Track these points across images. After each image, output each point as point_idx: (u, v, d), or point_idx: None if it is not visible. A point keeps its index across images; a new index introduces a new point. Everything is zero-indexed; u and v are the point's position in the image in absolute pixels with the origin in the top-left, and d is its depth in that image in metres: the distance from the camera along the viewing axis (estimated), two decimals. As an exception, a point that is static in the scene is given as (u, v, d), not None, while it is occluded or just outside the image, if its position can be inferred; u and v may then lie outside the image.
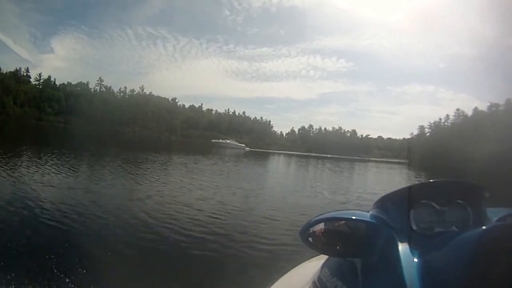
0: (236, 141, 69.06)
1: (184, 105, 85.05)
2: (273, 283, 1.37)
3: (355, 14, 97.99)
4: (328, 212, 0.95)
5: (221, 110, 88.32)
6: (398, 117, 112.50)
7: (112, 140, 39.77)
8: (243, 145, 68.13)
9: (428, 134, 78.07)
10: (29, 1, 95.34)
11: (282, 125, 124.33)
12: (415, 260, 0.72)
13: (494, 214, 0.86)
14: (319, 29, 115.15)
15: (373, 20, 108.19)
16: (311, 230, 0.93)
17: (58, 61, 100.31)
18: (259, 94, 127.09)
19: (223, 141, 66.67)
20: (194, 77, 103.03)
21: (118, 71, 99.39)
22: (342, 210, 0.95)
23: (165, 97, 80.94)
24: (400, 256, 0.73)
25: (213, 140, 65.77)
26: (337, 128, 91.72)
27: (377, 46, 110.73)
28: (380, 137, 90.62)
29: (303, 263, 1.49)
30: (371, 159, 72.99)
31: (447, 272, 0.67)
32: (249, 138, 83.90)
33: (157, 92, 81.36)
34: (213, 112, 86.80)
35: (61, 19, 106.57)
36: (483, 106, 65.65)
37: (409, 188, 0.86)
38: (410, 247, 0.76)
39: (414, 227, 0.82)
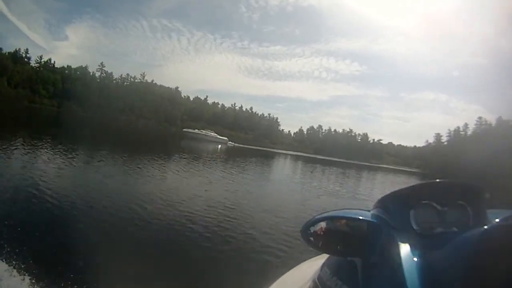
0: (216, 132, 55.63)
1: (188, 97, 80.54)
2: (274, 281, 1.36)
3: (371, 17, 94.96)
4: (329, 211, 0.95)
5: (228, 104, 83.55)
6: (409, 124, 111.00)
7: (97, 129, 35.11)
8: (225, 138, 53.65)
9: (445, 143, 72.94)
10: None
11: (291, 125, 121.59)
12: (415, 259, 0.73)
13: (495, 216, 0.86)
14: (335, 30, 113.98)
15: (389, 25, 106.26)
16: (312, 228, 0.93)
17: (72, 48, 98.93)
18: (270, 93, 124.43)
19: (199, 131, 51.89)
20: (207, 71, 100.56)
21: (131, 62, 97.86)
22: (343, 209, 0.95)
23: (168, 87, 76.48)
24: (401, 255, 0.73)
25: (184, 130, 51.90)
26: (348, 130, 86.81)
27: (391, 51, 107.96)
28: (390, 143, 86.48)
29: (304, 262, 1.47)
30: (383, 166, 67.93)
31: (447, 272, 0.67)
32: (254, 135, 79.43)
33: (170, 85, 78.26)
34: (218, 105, 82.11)
35: (76, 6, 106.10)
36: (505, 116, 60.93)
37: (410, 188, 0.88)
38: (410, 247, 0.76)
39: (415, 227, 0.83)
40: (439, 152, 70.66)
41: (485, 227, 0.70)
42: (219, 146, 45.79)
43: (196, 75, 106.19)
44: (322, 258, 1.05)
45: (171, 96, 74.21)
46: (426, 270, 0.69)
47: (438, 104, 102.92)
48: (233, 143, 53.80)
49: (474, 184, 0.89)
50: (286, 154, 56.33)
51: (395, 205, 0.87)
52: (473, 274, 0.62)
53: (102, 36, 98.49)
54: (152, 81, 75.02)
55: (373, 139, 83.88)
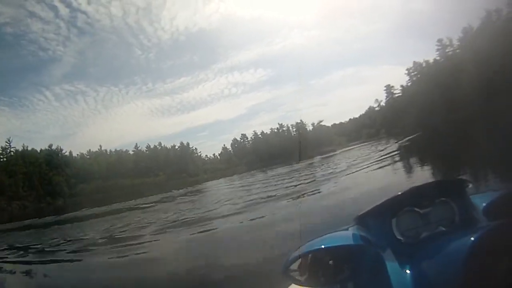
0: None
1: (82, 153, 65.84)
2: None
3: (262, 21, 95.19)
4: (307, 242, 0.88)
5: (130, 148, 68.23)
6: (328, 106, 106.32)
7: None
8: None
9: (400, 93, 54.54)
10: None
11: (218, 150, 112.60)
12: (406, 272, 0.70)
13: (479, 201, 0.83)
14: (231, 45, 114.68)
15: (281, 22, 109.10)
16: (293, 266, 0.87)
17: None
18: (188, 125, 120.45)
19: None
20: (121, 126, 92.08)
21: (46, 138, 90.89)
22: (321, 236, 0.89)
23: (46, 149, 62.62)
24: (388, 272, 0.70)
25: None
26: (278, 126, 67.57)
27: (291, 47, 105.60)
28: (325, 125, 67.85)
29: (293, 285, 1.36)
30: (343, 160, 47.62)
31: (436, 282, 0.66)
32: (166, 175, 61.52)
33: (90, 150, 65.92)
34: (122, 152, 66.53)
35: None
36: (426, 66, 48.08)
37: (388, 202, 0.84)
38: (397, 260, 0.72)
39: (400, 237, 0.79)
40: (395, 107, 52.28)
41: (472, 237, 0.65)
42: None
43: (113, 132, 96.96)
44: None
45: (49, 160, 59.74)
46: (418, 281, 0.67)
47: (348, 78, 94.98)
48: None
49: (453, 179, 0.87)
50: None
51: (375, 220, 0.83)
52: (467, 282, 0.60)
53: (12, 118, 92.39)
54: (26, 147, 61.30)
55: (313, 123, 64.53)
